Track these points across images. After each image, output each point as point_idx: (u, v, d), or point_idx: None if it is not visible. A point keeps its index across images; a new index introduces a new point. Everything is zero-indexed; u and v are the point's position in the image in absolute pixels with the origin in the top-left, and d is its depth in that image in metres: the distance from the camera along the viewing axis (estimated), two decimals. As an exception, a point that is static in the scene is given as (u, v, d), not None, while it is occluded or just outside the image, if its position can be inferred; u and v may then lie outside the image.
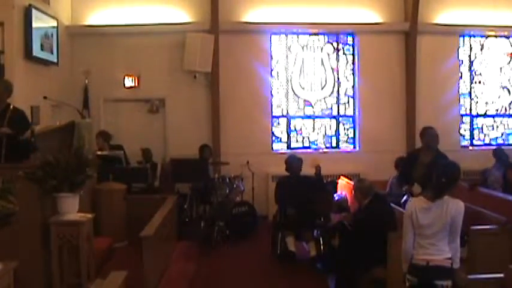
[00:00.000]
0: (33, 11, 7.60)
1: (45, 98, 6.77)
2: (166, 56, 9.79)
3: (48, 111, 7.94)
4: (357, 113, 10.42)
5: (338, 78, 10.46)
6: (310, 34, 10.33)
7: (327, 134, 10.49)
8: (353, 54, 10.44)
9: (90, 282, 4.68)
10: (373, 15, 10.22)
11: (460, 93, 10.61)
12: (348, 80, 10.47)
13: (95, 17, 9.70)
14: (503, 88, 10.83)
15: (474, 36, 10.63)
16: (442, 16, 10.28)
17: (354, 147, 10.50)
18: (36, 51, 7.75)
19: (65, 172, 4.66)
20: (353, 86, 10.47)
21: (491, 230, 5.45)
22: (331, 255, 6.06)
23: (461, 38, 10.57)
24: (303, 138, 10.43)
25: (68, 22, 9.49)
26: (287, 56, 10.32)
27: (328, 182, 8.70)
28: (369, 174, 8.58)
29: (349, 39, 10.44)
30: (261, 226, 8.35)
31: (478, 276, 4.21)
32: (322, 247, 6.62)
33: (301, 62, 10.38)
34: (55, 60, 8.44)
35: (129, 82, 9.78)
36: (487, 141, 10.79)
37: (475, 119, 10.79)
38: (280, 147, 10.32)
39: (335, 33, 10.37)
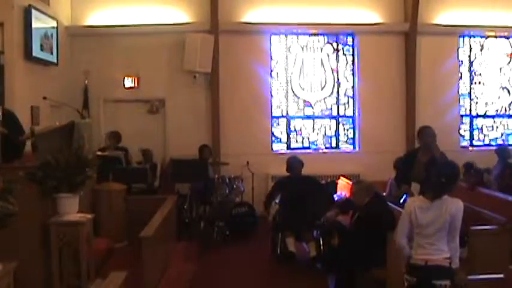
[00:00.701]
0: (33, 12, 7.61)
1: (44, 98, 6.77)
2: (166, 57, 9.80)
3: (48, 111, 7.94)
4: (356, 113, 10.42)
5: (338, 79, 10.46)
6: (310, 35, 10.33)
7: (326, 134, 10.49)
8: (353, 55, 10.44)
9: (90, 282, 4.67)
10: (373, 16, 10.22)
11: (459, 93, 10.62)
12: (347, 81, 10.47)
13: (95, 17, 9.70)
14: (503, 89, 10.83)
15: (474, 37, 10.64)
16: (442, 16, 10.29)
17: (354, 148, 10.50)
18: (36, 51, 7.76)
19: (65, 172, 4.65)
20: (353, 87, 10.47)
21: (491, 230, 5.45)
22: (331, 255, 6.06)
23: (461, 39, 10.58)
24: (303, 138, 10.43)
25: (68, 22, 9.49)
26: (287, 56, 10.33)
27: (328, 182, 8.70)
28: (369, 175, 8.60)
29: (349, 39, 10.45)
30: (261, 226, 8.34)
31: (477, 276, 4.22)
32: (322, 247, 6.62)
33: (301, 63, 10.38)
34: (55, 60, 8.46)
35: (128, 82, 9.79)
36: (486, 142, 10.79)
37: (474, 119, 10.80)
38: (280, 147, 10.32)
39: (335, 33, 10.38)
